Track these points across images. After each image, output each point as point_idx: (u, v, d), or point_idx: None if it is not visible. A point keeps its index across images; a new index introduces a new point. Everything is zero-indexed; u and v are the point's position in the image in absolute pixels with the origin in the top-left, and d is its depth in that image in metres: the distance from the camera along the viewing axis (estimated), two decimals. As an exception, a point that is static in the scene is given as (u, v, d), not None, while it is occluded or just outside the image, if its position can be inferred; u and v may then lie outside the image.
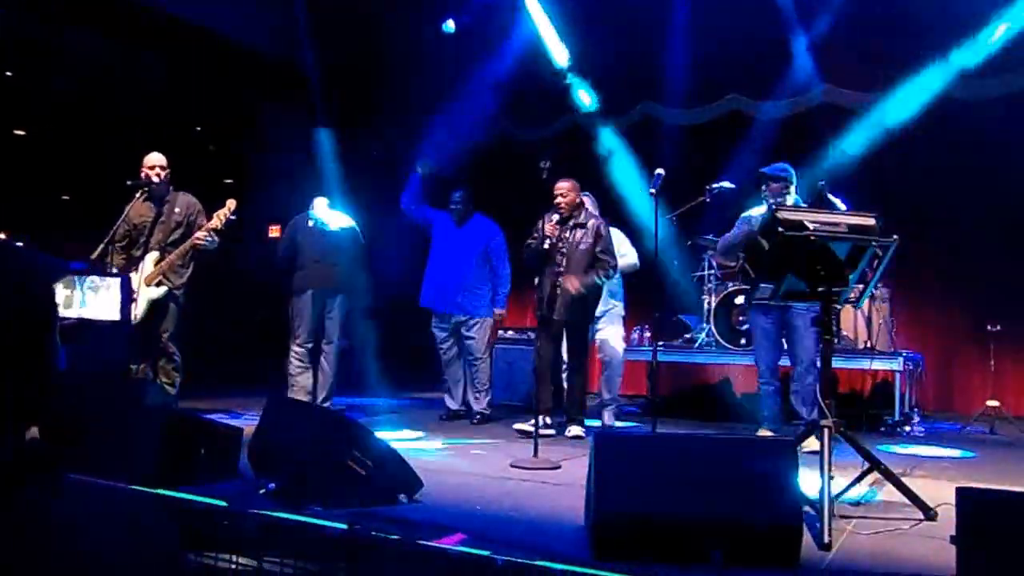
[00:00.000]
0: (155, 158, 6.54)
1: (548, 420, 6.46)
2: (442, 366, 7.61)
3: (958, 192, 8.39)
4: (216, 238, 6.43)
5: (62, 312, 4.29)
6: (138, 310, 6.14)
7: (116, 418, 4.24)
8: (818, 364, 6.12)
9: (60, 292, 4.27)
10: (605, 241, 6.46)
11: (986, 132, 8.03)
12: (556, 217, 6.35)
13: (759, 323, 6.24)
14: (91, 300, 5.33)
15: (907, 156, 8.37)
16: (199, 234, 6.40)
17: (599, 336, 7.08)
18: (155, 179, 6.45)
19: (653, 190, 5.53)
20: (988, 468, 5.61)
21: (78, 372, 5.39)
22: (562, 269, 6.30)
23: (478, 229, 7.41)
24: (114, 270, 6.03)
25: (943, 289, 8.87)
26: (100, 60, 8.14)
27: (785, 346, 6.28)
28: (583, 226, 6.45)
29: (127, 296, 5.50)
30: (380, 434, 4.09)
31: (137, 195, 6.36)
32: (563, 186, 6.45)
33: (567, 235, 6.40)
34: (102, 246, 6.02)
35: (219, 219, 6.40)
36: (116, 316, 5.26)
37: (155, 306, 6.28)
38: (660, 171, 5.63)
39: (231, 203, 6.49)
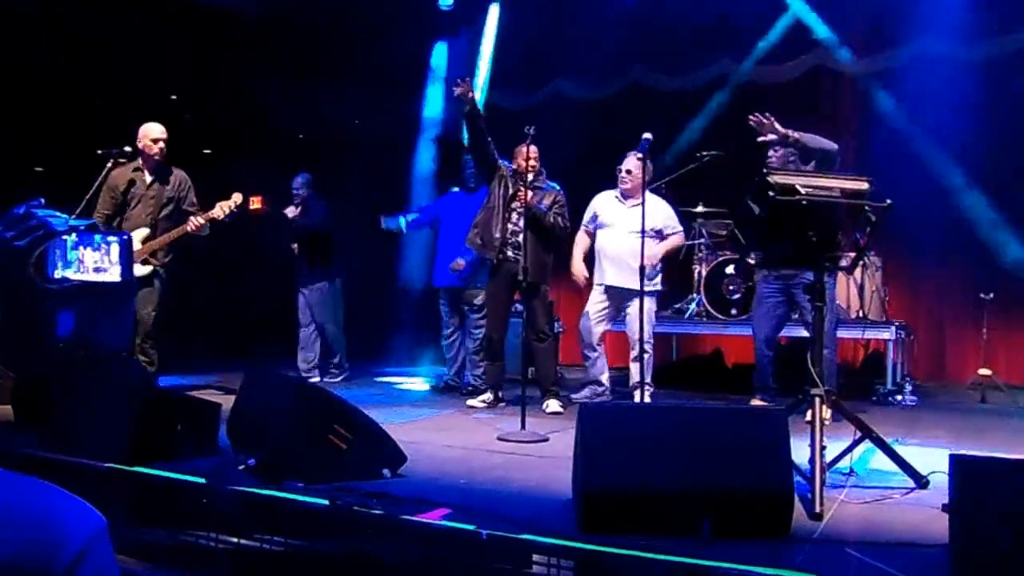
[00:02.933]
0: (158, 130, 6.28)
1: (500, 394, 6.53)
2: (443, 339, 7.64)
3: (950, 158, 8.32)
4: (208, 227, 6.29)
5: (64, 274, 4.15)
6: None
7: (93, 395, 4.17)
8: (835, 335, 6.09)
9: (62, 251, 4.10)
10: (560, 205, 6.40)
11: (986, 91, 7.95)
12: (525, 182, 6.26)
13: (760, 291, 6.15)
14: (92, 261, 5.15)
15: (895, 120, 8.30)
16: (197, 221, 6.21)
17: (629, 311, 6.65)
18: (156, 154, 6.25)
19: (640, 155, 5.43)
20: (980, 436, 5.56)
21: (71, 343, 5.32)
22: (519, 228, 6.23)
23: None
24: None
25: (936, 257, 8.79)
26: (76, 28, 7.96)
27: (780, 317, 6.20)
28: (541, 189, 6.40)
29: (129, 256, 5.28)
30: (364, 407, 4.01)
31: (108, 164, 6.11)
32: (535, 152, 6.33)
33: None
34: (79, 213, 5.86)
35: (221, 210, 6.22)
36: (117, 278, 5.05)
37: (139, 284, 6.09)
38: (647, 135, 5.52)
39: (237, 196, 6.31)
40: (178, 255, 6.41)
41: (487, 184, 6.63)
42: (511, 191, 6.41)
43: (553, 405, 6.22)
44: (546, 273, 6.42)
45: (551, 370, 6.49)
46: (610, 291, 6.59)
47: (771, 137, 5.04)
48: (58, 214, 1.47)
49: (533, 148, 6.23)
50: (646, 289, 6.18)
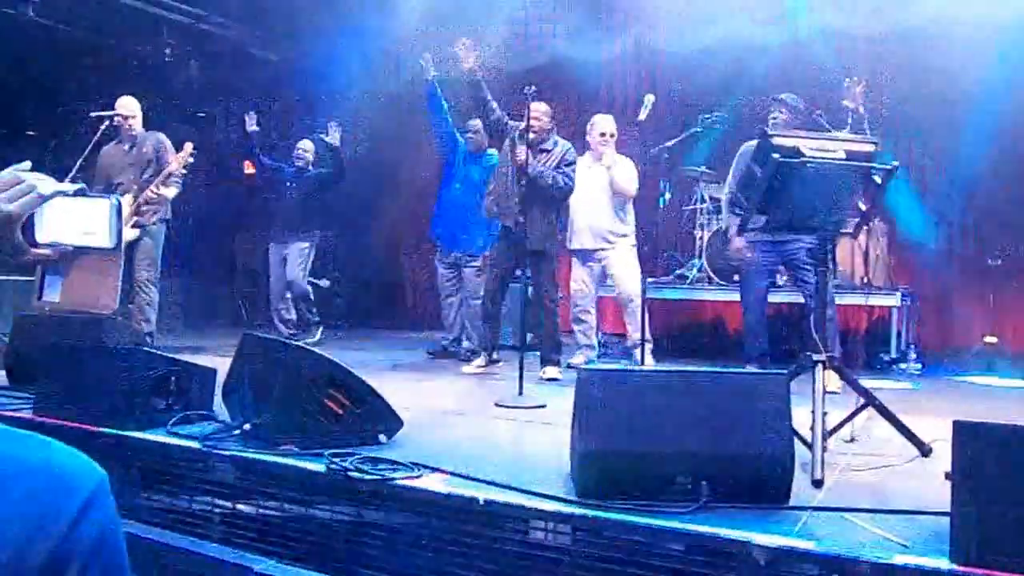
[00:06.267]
0: (130, 106, 6.59)
1: (496, 357, 6.53)
2: (440, 301, 7.61)
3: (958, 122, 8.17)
4: (175, 186, 6.53)
5: (54, 239, 4.08)
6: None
7: (87, 359, 4.14)
8: (834, 300, 6.04)
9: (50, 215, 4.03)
10: (567, 163, 6.29)
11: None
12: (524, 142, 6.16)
13: (751, 256, 6.08)
14: (81, 224, 5.09)
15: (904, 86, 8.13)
16: (151, 189, 6.46)
17: (612, 271, 6.81)
18: (128, 127, 6.57)
19: (642, 117, 5.35)
20: (985, 404, 5.52)
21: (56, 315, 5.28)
22: (525, 191, 6.13)
23: (491, 164, 7.06)
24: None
25: (942, 222, 8.68)
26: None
27: (780, 282, 6.15)
28: (548, 151, 6.30)
29: (119, 220, 5.27)
30: (360, 372, 3.97)
31: (102, 126, 6.41)
32: (540, 109, 6.24)
33: (532, 160, 6.21)
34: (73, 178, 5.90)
35: (179, 161, 6.47)
36: (107, 242, 4.99)
37: (130, 247, 6.30)
38: (650, 96, 5.44)
39: (188, 146, 6.57)
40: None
41: (499, 147, 6.56)
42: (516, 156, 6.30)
43: (551, 371, 6.19)
44: (552, 238, 6.32)
45: (555, 337, 6.44)
46: (583, 255, 6.62)
47: (851, 105, 4.98)
48: (45, 177, 1.44)
49: (537, 106, 6.13)
50: (619, 243, 6.23)
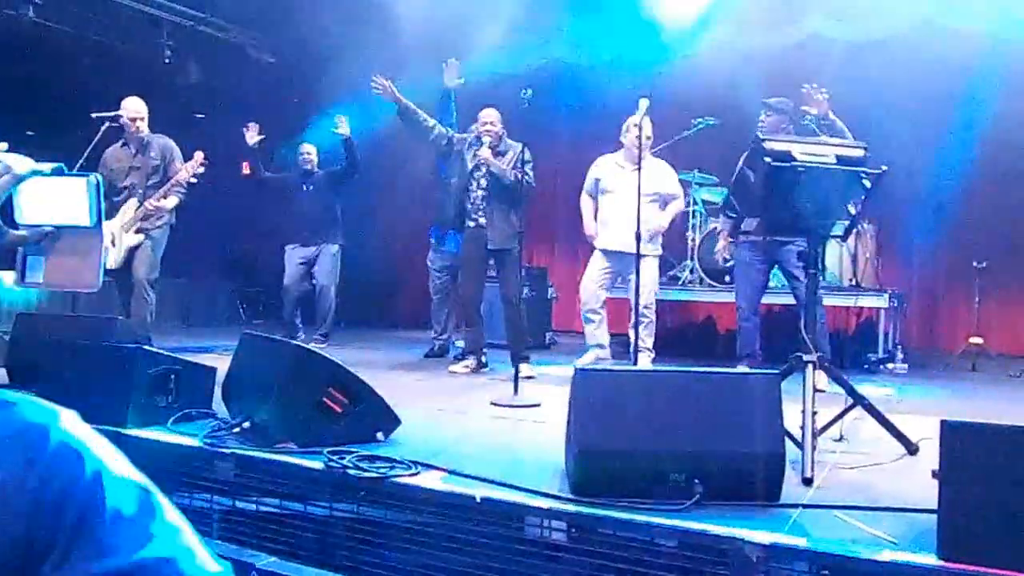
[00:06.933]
0: (137, 107, 6.45)
1: (485, 359, 6.57)
2: (432, 299, 7.66)
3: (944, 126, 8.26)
4: (177, 195, 6.43)
5: (34, 220, 4.05)
6: (117, 257, 6.14)
7: (86, 357, 4.16)
8: (822, 300, 6.09)
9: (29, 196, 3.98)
10: (523, 162, 6.23)
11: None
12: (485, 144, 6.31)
13: (743, 257, 6.14)
14: (60, 204, 5.04)
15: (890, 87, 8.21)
16: (150, 202, 6.34)
17: (633, 276, 6.61)
18: (135, 129, 6.42)
19: (637, 121, 5.40)
20: (971, 404, 5.60)
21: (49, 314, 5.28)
22: (486, 193, 6.29)
23: None
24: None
25: (929, 225, 8.78)
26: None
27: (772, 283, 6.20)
28: (504, 154, 6.40)
29: (99, 198, 5.22)
30: (358, 371, 4.02)
31: (98, 135, 6.29)
32: (493, 115, 6.38)
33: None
34: None
35: (187, 171, 6.36)
36: (87, 221, 4.94)
37: (131, 251, 6.29)
38: (645, 100, 5.48)
39: (199, 156, 6.44)
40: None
41: (442, 160, 6.70)
42: (471, 161, 6.41)
43: (524, 370, 6.18)
44: (514, 237, 6.30)
45: (522, 335, 6.46)
46: (613, 256, 6.59)
47: (813, 111, 5.03)
48: (21, 157, 1.45)
49: (488, 112, 6.30)
50: (651, 253, 6.23)
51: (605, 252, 6.64)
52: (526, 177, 6.21)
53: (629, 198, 6.34)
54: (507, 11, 7.92)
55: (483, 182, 6.37)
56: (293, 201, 8.03)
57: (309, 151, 8.09)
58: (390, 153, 8.39)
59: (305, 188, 7.98)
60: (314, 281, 7.90)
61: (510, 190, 6.23)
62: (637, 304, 6.14)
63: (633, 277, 6.39)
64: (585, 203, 6.84)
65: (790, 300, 6.31)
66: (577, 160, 6.90)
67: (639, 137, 6.14)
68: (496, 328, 7.07)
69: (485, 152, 6.07)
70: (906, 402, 5.39)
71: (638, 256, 5.62)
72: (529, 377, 6.07)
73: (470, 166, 6.41)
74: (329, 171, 8.04)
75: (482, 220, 6.29)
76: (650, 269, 6.46)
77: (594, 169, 6.79)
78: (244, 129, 7.75)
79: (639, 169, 5.60)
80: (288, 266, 7.96)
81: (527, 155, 6.30)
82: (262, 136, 7.75)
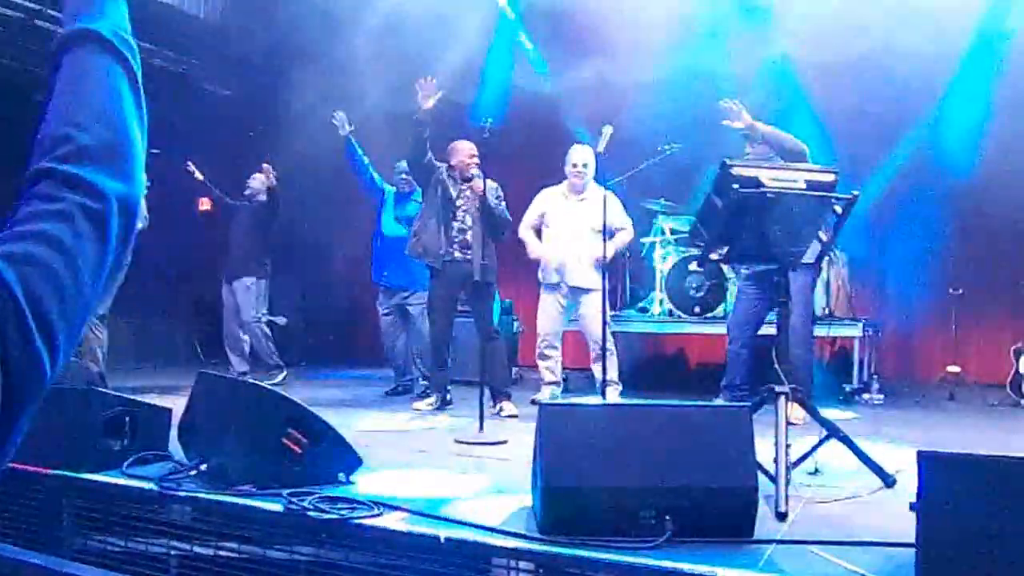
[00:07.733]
0: None
1: (449, 397, 6.45)
2: (384, 340, 7.47)
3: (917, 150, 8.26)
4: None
5: None
6: None
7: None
8: (811, 334, 6.01)
9: None
10: (500, 199, 6.30)
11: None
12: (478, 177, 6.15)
13: (746, 290, 6.03)
14: None
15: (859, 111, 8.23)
16: None
17: (582, 310, 6.61)
18: None
19: (600, 149, 5.36)
20: (948, 434, 5.54)
21: None
22: (466, 226, 6.17)
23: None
24: None
25: (904, 252, 8.74)
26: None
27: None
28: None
29: None
30: (319, 410, 3.90)
31: None
32: (471, 147, 6.28)
33: (468, 194, 6.24)
34: None
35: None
36: None
37: None
38: (608, 128, 5.43)
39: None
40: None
41: (423, 188, 6.48)
42: (454, 191, 6.25)
43: (508, 408, 6.08)
44: (494, 272, 6.28)
45: (505, 371, 6.37)
46: (556, 288, 6.54)
47: (738, 124, 4.97)
48: None
49: (465, 144, 6.26)
50: (594, 287, 6.15)
51: (548, 287, 6.60)
52: (503, 211, 6.17)
53: (572, 229, 6.34)
54: (466, 39, 7.92)
55: (466, 216, 6.20)
56: (226, 234, 7.88)
57: (251, 179, 7.84)
58: (347, 187, 8.26)
59: (237, 219, 7.83)
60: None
61: (497, 223, 6.17)
62: (605, 338, 6.04)
63: (586, 310, 6.38)
64: (528, 234, 6.77)
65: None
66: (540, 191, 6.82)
67: (575, 165, 6.16)
68: (465, 364, 6.96)
69: (479, 184, 5.95)
70: (882, 432, 5.31)
71: (595, 291, 5.53)
72: (512, 415, 5.96)
73: (455, 196, 6.23)
74: (257, 204, 7.79)
75: (466, 254, 6.10)
76: (595, 302, 6.34)
77: (539, 202, 6.74)
78: (185, 169, 7.64)
79: (583, 200, 5.55)
80: (224, 301, 7.82)
81: (499, 191, 6.26)
82: (202, 171, 7.64)
